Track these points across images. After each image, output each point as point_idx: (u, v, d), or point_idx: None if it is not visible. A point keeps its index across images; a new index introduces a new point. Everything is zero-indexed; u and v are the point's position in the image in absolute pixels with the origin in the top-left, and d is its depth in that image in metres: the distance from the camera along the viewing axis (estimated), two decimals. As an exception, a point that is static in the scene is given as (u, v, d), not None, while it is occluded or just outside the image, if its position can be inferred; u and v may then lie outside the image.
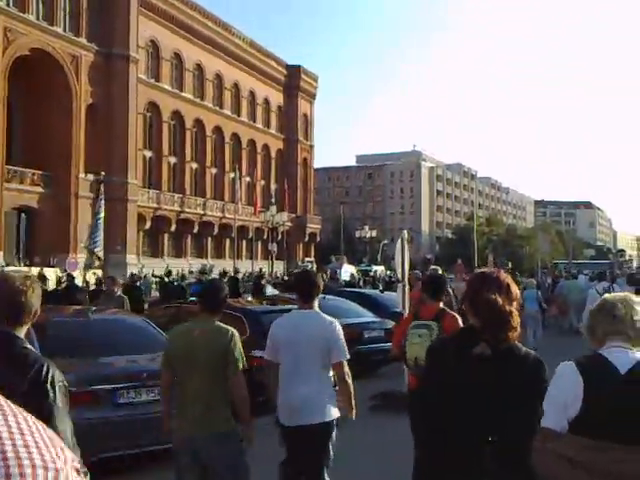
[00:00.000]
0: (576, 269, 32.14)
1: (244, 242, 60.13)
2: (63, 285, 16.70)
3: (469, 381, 2.46)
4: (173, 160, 55.02)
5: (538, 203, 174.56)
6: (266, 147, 67.78)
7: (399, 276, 8.83)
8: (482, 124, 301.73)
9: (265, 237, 53.94)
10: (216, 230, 57.67)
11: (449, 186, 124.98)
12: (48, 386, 2.26)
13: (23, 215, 39.84)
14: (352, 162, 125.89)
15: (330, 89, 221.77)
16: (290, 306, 10.31)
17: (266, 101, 67.83)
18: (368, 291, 15.46)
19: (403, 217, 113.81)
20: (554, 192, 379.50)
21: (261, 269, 38.28)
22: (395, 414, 7.70)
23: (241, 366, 4.02)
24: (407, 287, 8.78)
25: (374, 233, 67.86)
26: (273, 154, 68.83)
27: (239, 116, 63.02)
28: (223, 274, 28.51)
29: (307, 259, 66.11)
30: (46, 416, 2.13)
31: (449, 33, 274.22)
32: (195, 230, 55.47)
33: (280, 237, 60.36)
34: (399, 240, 8.78)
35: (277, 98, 69.49)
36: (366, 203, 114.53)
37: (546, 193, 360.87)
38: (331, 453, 4.30)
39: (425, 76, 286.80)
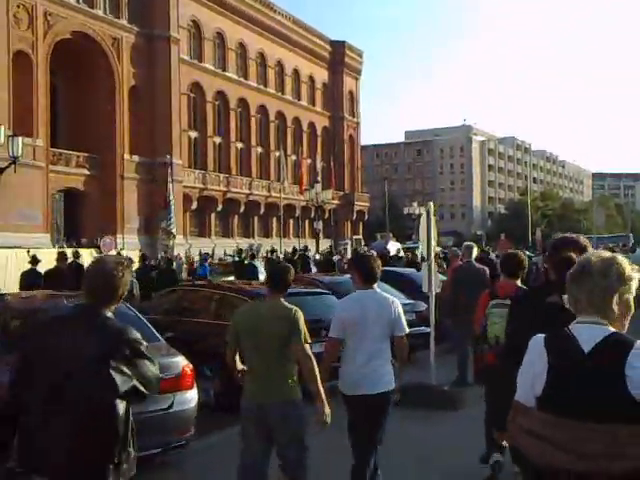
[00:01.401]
0: (616, 243, 30.60)
1: (291, 221, 59.83)
2: (164, 266, 16.52)
3: (540, 327, 2.49)
4: (218, 140, 54.88)
5: (596, 175, 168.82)
6: (312, 125, 67.01)
7: (424, 253, 8.07)
8: (536, 95, 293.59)
9: (312, 216, 53.36)
10: (262, 209, 57.50)
11: (501, 160, 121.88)
12: (129, 344, 2.76)
13: (69, 197, 40.33)
14: (401, 139, 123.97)
15: (377, 65, 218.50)
16: (315, 289, 9.71)
17: (311, 78, 66.93)
18: (402, 270, 14.50)
19: (453, 193, 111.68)
20: (613, 164, 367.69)
21: (331, 246, 37.82)
22: (420, 409, 7.00)
23: (304, 339, 4.30)
24: (434, 265, 8.02)
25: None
26: (319, 132, 68.04)
27: (283, 94, 62.37)
28: (294, 251, 28.42)
29: (355, 237, 65.40)
30: (133, 366, 2.76)
31: (487, 11, 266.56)
32: (241, 210, 55.38)
33: (327, 215, 59.82)
34: (424, 213, 7.99)
35: (322, 75, 68.50)
36: (415, 180, 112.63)
37: (605, 165, 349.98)
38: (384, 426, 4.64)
39: (473, 49, 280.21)
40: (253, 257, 24.16)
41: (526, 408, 2.18)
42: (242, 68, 56.99)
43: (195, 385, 5.49)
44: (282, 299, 4.48)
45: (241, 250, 26.44)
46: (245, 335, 4.37)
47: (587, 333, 2.13)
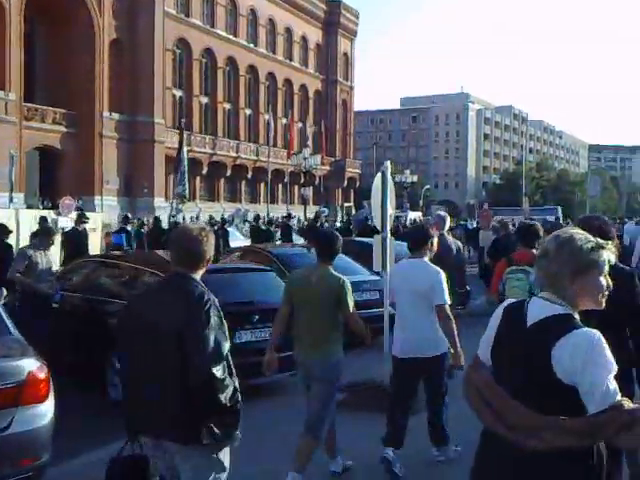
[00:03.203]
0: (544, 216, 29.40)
1: (279, 186, 58.27)
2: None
3: None
4: (205, 100, 53.01)
5: (592, 147, 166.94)
6: (303, 87, 64.99)
7: (376, 224, 6.76)
8: (534, 65, 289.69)
9: (302, 181, 51.93)
10: (250, 173, 55.88)
11: (498, 129, 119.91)
12: (206, 311, 2.88)
13: (45, 155, 38.72)
14: (396, 105, 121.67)
15: (373, 30, 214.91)
16: (250, 265, 8.33)
17: (304, 39, 64.72)
18: (368, 240, 13.07)
19: (448, 162, 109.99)
20: (610, 136, 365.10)
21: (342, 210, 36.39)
22: (374, 412, 5.72)
23: (352, 307, 4.59)
24: (390, 238, 6.74)
25: (415, 178, 64.99)
26: (311, 95, 66.07)
27: (274, 54, 60.27)
28: (315, 218, 27.76)
29: (346, 204, 64.09)
30: (203, 330, 2.85)
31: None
32: (228, 173, 53.77)
33: (318, 181, 58.30)
34: (378, 175, 6.65)
35: (315, 35, 66.25)
36: (410, 147, 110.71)
37: (602, 137, 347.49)
38: (446, 381, 5.06)
39: (473, 15, 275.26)
40: (270, 223, 25.11)
41: (482, 364, 2.31)
42: (231, 25, 54.88)
43: (50, 395, 4.20)
44: (330, 267, 4.64)
45: (259, 216, 26.79)
46: (296, 298, 4.67)
47: (537, 308, 2.17)
